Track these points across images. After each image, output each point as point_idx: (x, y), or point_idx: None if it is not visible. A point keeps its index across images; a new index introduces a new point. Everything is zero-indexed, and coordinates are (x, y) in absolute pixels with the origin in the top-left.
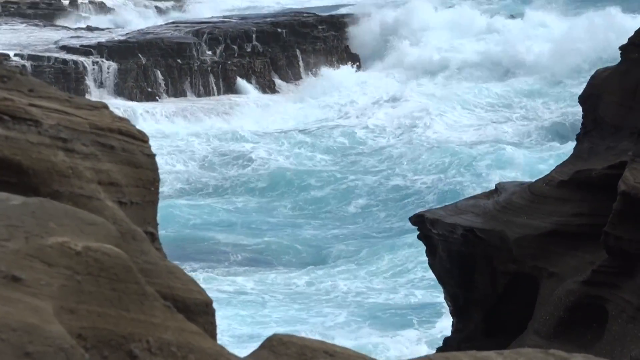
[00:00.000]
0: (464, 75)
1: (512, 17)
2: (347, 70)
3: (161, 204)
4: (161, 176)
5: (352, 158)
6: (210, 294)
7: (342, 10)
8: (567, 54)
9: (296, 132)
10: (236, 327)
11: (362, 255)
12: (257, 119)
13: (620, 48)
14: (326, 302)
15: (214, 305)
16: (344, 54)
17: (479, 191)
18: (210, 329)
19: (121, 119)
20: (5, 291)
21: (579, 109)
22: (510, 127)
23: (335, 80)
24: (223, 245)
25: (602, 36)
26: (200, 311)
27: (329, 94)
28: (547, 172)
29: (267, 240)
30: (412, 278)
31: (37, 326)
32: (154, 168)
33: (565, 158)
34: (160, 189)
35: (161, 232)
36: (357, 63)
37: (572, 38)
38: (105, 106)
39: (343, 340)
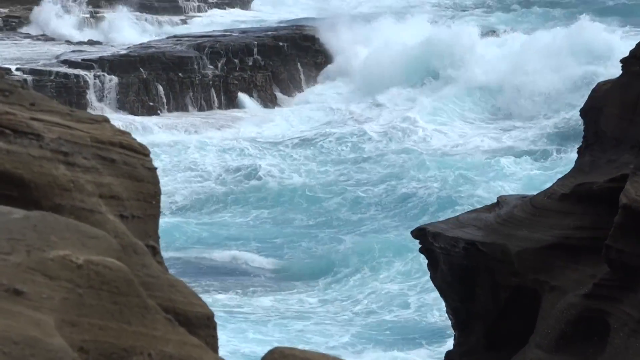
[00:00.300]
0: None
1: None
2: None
3: (172, 219)
4: (172, 190)
5: (358, 166)
6: (217, 309)
7: None
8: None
9: (299, 142)
10: (236, 344)
11: (374, 268)
12: (259, 131)
13: (621, 61)
14: (335, 319)
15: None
16: None
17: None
18: (211, 342)
19: (122, 133)
20: (7, 304)
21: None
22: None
23: (334, 92)
24: (229, 260)
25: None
26: (201, 324)
27: (327, 104)
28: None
29: (277, 254)
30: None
31: (38, 339)
32: (155, 181)
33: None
34: (170, 203)
35: (174, 247)
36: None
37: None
38: (107, 120)
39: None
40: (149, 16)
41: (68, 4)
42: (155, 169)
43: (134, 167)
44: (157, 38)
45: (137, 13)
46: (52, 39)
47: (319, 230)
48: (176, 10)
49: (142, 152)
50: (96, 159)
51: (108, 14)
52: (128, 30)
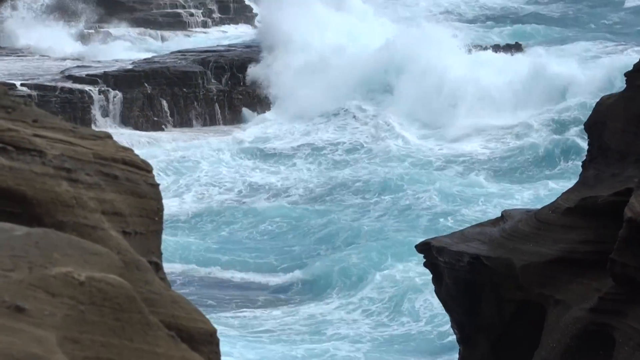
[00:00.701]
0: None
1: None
2: None
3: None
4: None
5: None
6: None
7: None
8: None
9: (303, 153)
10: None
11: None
12: (263, 145)
13: (626, 74)
14: (345, 335)
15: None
16: None
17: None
18: (214, 358)
19: (125, 149)
20: (8, 321)
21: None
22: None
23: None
24: (232, 276)
25: None
26: (204, 340)
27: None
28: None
29: (287, 267)
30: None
31: (40, 356)
32: (158, 198)
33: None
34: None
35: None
36: None
37: None
38: (109, 136)
39: None
40: (152, 32)
41: (70, 22)
42: (157, 185)
43: (137, 183)
44: (160, 53)
45: (142, 28)
46: (47, 56)
47: (326, 244)
48: (180, 25)
49: (144, 168)
50: (99, 175)
51: (111, 30)
52: (126, 45)
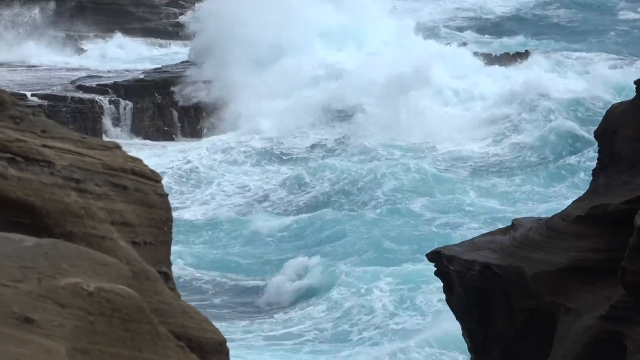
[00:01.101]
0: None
1: None
2: None
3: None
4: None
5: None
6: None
7: None
8: None
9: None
10: None
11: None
12: (272, 155)
13: (636, 82)
14: (360, 339)
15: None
16: None
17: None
18: None
19: (134, 159)
20: (18, 332)
21: None
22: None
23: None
24: (238, 284)
25: None
26: (214, 350)
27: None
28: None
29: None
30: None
31: None
32: (167, 208)
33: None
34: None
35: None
36: None
37: None
38: (118, 146)
39: None
40: (162, 41)
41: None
42: (166, 195)
43: (146, 193)
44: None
45: (152, 38)
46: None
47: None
48: (189, 35)
49: (153, 178)
50: (108, 185)
51: (121, 39)
52: (136, 55)
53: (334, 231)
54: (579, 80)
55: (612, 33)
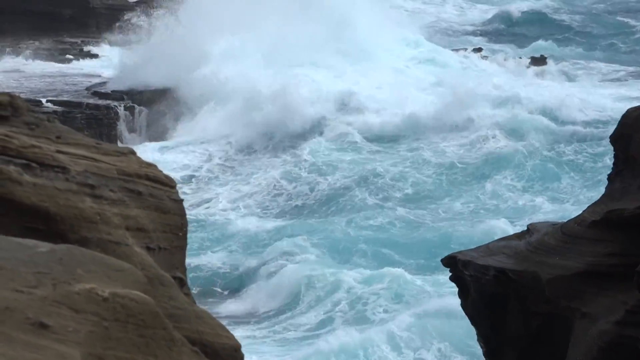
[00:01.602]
0: None
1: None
2: None
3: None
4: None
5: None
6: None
7: None
8: None
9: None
10: None
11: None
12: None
13: None
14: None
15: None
16: None
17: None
18: None
19: (149, 165)
20: (32, 338)
21: None
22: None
23: None
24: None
25: None
26: (228, 356)
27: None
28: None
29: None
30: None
31: None
32: (181, 213)
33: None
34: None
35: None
36: None
37: None
38: (133, 152)
39: None
40: None
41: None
42: (181, 200)
43: (161, 199)
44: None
45: None
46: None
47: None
48: None
49: (168, 184)
50: (122, 191)
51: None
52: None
53: (321, 233)
54: None
55: None
